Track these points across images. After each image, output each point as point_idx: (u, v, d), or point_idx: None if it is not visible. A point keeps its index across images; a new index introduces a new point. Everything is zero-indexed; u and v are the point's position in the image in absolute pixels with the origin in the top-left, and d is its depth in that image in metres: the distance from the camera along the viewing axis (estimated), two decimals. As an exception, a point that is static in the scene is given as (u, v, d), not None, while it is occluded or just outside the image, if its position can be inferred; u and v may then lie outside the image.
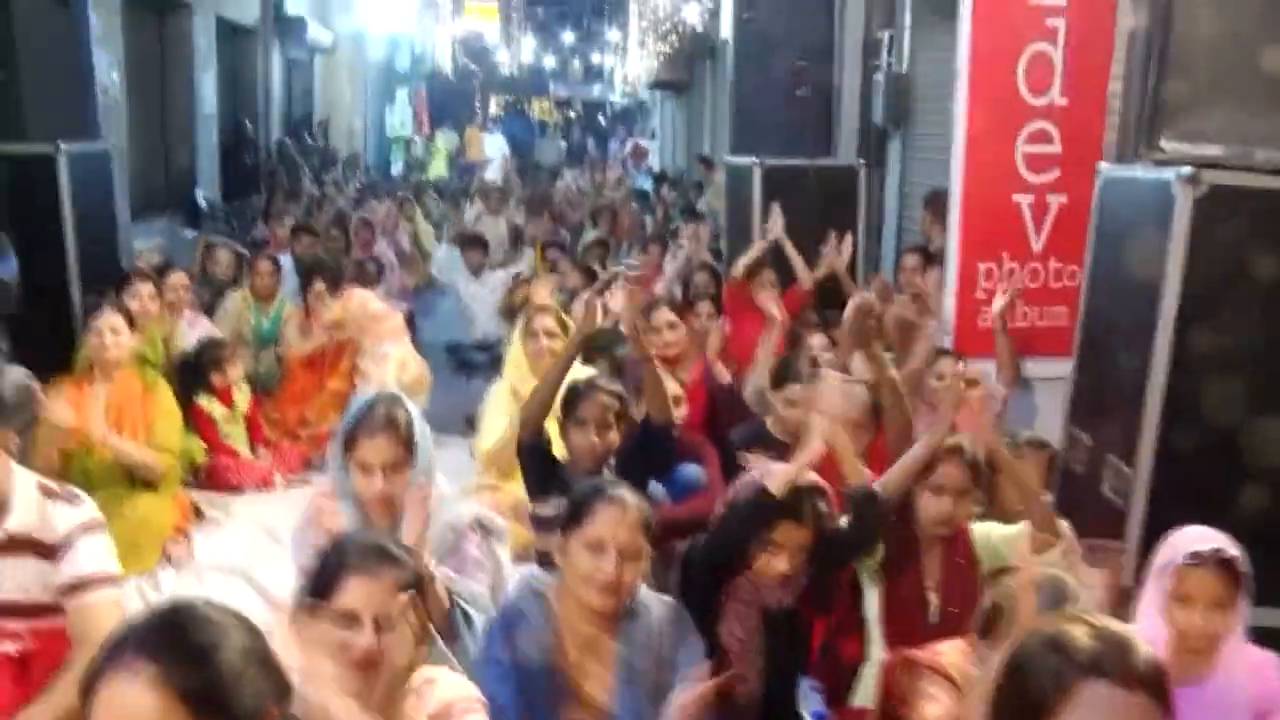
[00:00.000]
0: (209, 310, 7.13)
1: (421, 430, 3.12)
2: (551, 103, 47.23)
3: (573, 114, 46.05)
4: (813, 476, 3.13)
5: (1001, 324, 4.98)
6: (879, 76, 9.07)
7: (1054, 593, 2.44)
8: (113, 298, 5.76)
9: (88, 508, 2.96)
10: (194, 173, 12.46)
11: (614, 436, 3.89)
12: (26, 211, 6.26)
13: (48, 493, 2.92)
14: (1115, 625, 1.80)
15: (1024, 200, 5.48)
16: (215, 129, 13.23)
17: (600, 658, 2.75)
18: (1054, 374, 5.13)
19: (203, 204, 12.27)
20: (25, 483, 2.90)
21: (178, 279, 6.60)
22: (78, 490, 3.01)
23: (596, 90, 42.03)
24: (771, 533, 3.00)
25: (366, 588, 2.27)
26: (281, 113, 16.51)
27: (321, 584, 2.29)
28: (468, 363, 8.62)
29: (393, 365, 6.20)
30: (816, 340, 5.38)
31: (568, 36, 36.42)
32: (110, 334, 4.90)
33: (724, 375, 5.49)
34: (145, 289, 5.94)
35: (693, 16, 15.36)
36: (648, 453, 3.97)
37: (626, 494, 2.78)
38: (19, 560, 2.84)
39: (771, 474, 3.05)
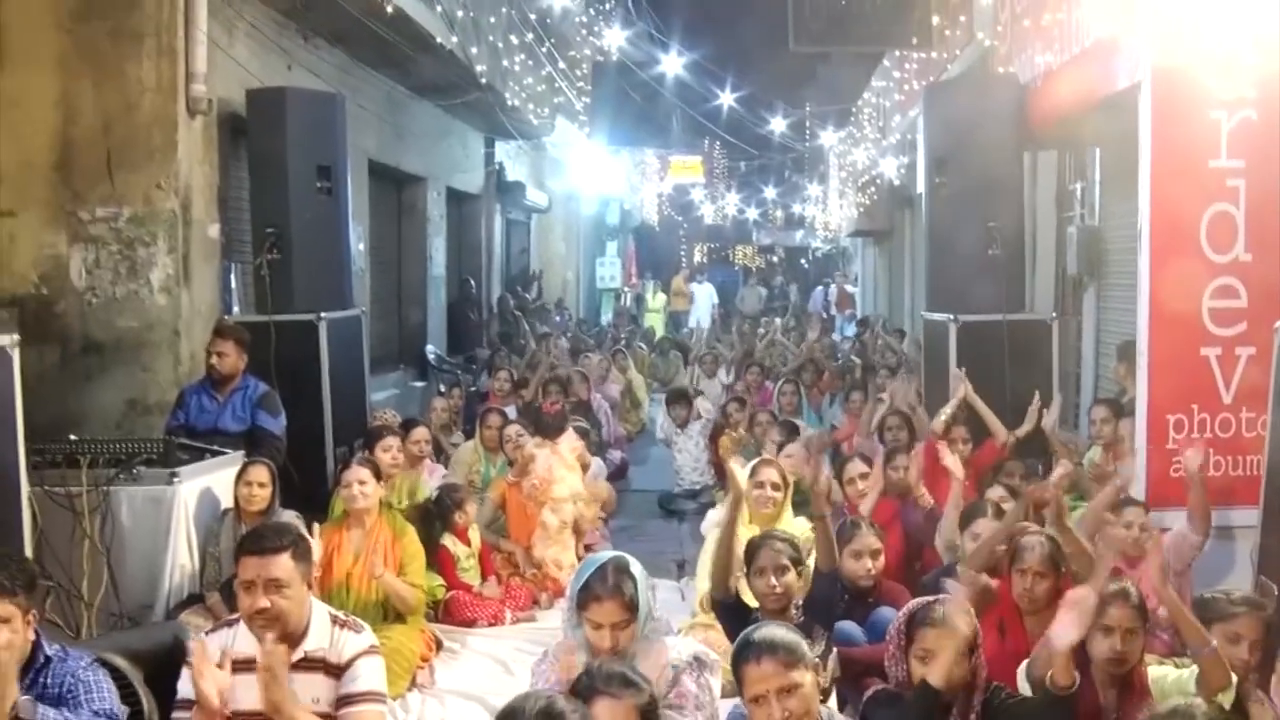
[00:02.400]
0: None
1: (645, 593, 3.61)
2: (755, 249, 48.44)
3: (775, 259, 47.00)
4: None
5: (1199, 476, 5.06)
6: (1072, 229, 9.31)
7: None
8: (362, 452, 6.50)
9: (368, 635, 3.56)
10: (424, 329, 13.54)
11: (792, 579, 4.32)
12: (292, 372, 7.15)
13: (337, 622, 3.53)
14: None
15: (1212, 353, 5.63)
16: (443, 288, 14.37)
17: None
18: (1250, 522, 5.23)
19: (432, 358, 13.32)
20: (320, 613, 3.52)
21: (420, 433, 7.38)
22: (361, 620, 3.60)
23: (799, 236, 42.83)
24: (923, 642, 3.36)
25: (611, 708, 2.76)
26: (501, 269, 17.70)
27: None
28: (676, 510, 9.10)
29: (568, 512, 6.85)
30: (994, 492, 5.61)
31: (770, 192, 37.51)
32: (359, 485, 5.57)
33: (927, 500, 5.82)
34: (393, 443, 6.67)
35: (890, 170, 15.86)
36: (823, 597, 4.41)
37: (767, 646, 3.11)
38: (312, 676, 3.45)
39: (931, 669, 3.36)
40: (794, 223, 41.32)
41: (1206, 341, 5.64)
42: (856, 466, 6.06)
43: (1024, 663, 3.60)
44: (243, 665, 3.39)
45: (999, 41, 9.01)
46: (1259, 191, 5.55)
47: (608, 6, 18.83)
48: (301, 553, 3.48)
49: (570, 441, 7.44)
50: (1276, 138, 5.51)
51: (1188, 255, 5.62)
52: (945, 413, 6.64)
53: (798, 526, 5.32)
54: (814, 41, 11.87)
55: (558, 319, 19.36)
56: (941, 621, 3.42)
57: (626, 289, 27.24)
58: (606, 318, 24.57)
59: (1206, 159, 5.58)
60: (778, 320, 17.85)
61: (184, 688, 3.36)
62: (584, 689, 2.84)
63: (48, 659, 3.18)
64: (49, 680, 3.15)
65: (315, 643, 3.47)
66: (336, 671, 3.46)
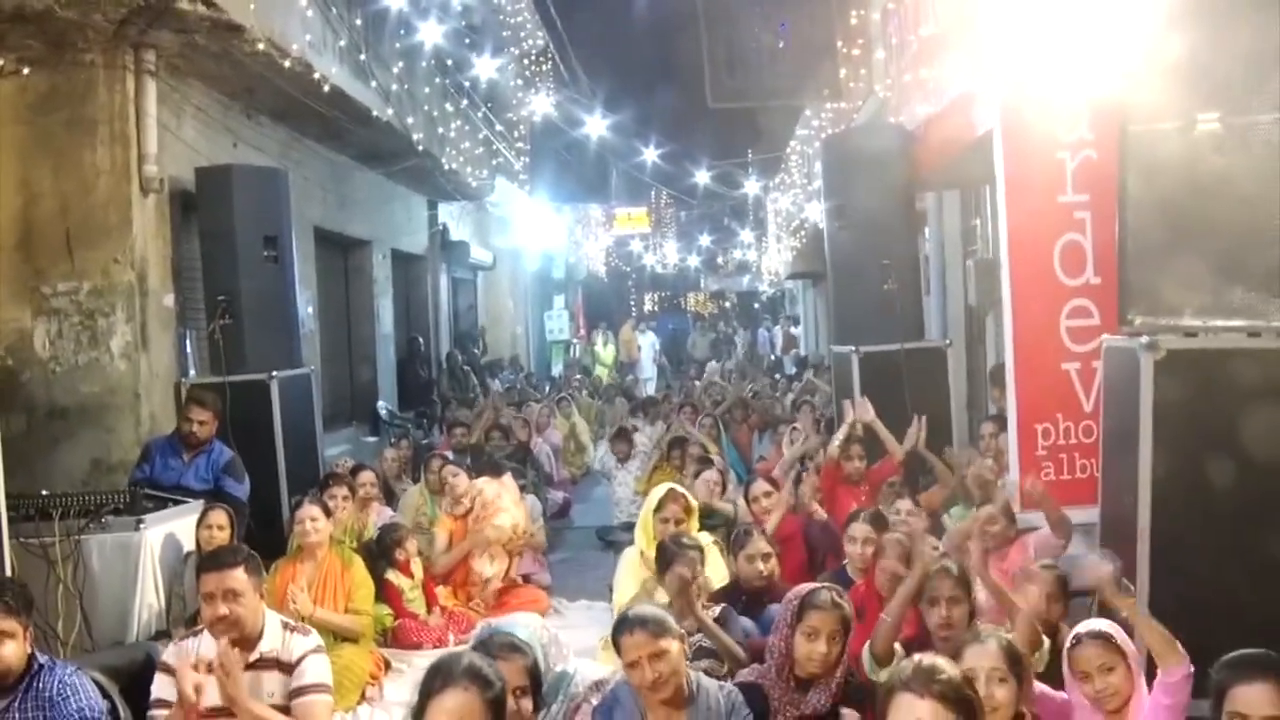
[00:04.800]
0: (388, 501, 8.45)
1: (540, 654, 4.10)
2: (706, 295, 49.36)
3: (727, 304, 47.94)
4: None
5: (1043, 496, 5.60)
6: (970, 262, 10.05)
7: None
8: (315, 494, 7.05)
9: (314, 637, 4.18)
10: (375, 387, 14.08)
11: (702, 580, 4.92)
12: (247, 428, 7.68)
13: (288, 627, 4.13)
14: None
15: (1071, 368, 6.27)
16: (392, 347, 14.93)
17: (675, 729, 3.72)
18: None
19: (383, 414, 13.85)
20: (272, 619, 4.12)
21: (367, 476, 7.96)
22: (308, 625, 4.19)
23: (746, 281, 43.81)
24: (809, 621, 3.98)
25: (506, 668, 3.29)
26: (449, 326, 18.27)
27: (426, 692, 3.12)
28: (614, 542, 9.67)
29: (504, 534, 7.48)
30: (903, 504, 6.24)
31: (704, 240, 38.55)
32: (310, 522, 6.18)
33: (820, 514, 6.46)
34: (340, 491, 7.23)
35: (815, 215, 16.64)
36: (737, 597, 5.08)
37: (639, 621, 3.71)
38: (268, 674, 4.04)
39: None
40: (743, 268, 42.30)
41: (1066, 357, 6.28)
42: (760, 486, 6.72)
43: (866, 642, 4.25)
44: (209, 668, 3.94)
45: (891, 94, 9.78)
46: (1103, 221, 6.16)
47: (544, 68, 19.62)
48: (253, 567, 4.08)
49: (509, 481, 8.04)
50: (1115, 173, 6.22)
51: (1044, 281, 6.26)
52: (839, 438, 7.28)
53: (699, 540, 5.92)
54: (731, 98, 12.64)
55: (510, 374, 19.91)
56: (829, 605, 4.03)
57: (576, 341, 27.87)
58: (558, 369, 25.15)
59: (1055, 194, 6.25)
60: (715, 364, 18.50)
61: (156, 690, 3.92)
62: (430, 685, 3.36)
63: (41, 666, 3.74)
64: (41, 684, 3.71)
65: (269, 644, 4.07)
66: (288, 669, 4.05)
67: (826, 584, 4.28)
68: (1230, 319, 4.50)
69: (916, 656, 2.80)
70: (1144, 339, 4.46)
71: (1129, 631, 3.84)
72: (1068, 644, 3.73)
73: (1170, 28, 4.58)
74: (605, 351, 25.34)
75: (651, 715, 3.71)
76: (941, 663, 2.73)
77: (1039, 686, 3.90)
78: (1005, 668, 3.47)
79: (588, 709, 4.18)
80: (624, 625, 3.74)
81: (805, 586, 4.23)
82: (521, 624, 4.37)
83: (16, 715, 3.68)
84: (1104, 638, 3.67)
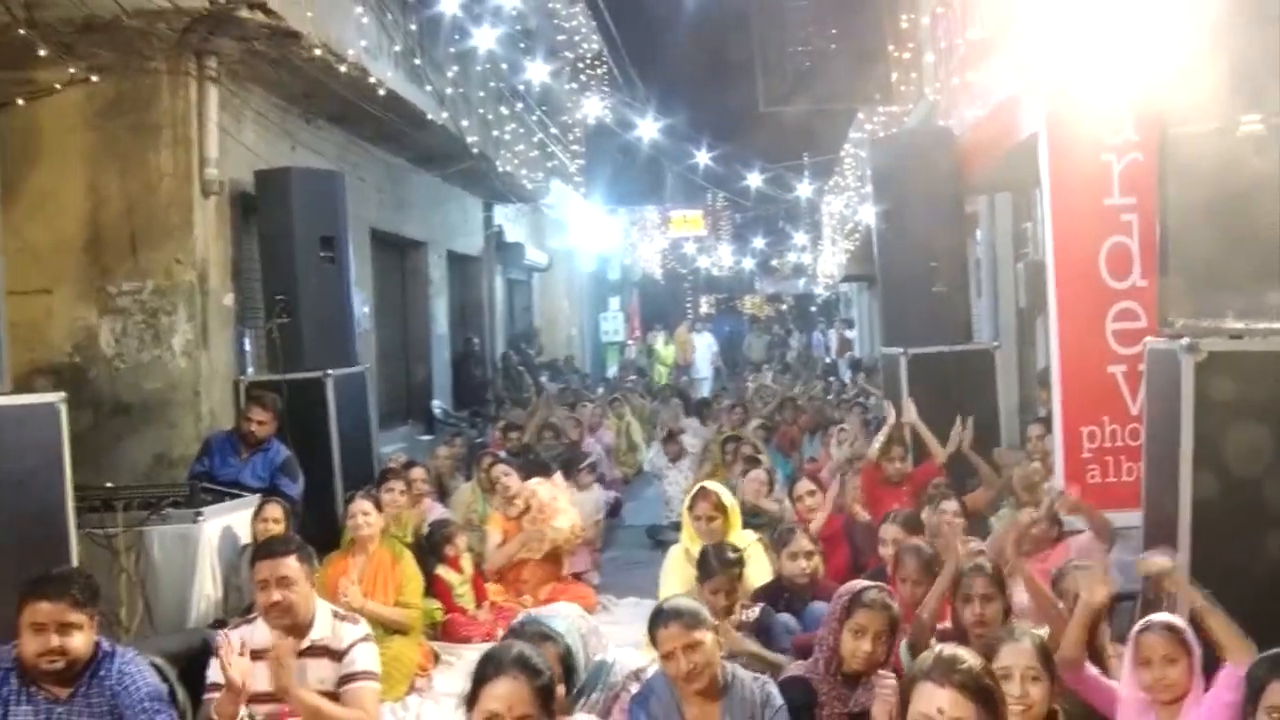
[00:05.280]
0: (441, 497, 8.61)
1: (579, 643, 4.28)
2: (763, 298, 49.29)
3: (784, 307, 47.89)
4: None
5: (1084, 508, 5.66)
6: (1020, 265, 10.03)
7: None
8: (370, 488, 7.20)
9: (363, 626, 4.34)
10: (430, 386, 14.27)
11: (742, 587, 5.03)
12: (303, 425, 7.85)
13: (337, 615, 4.28)
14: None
15: (1118, 370, 6.25)
16: (447, 347, 15.13)
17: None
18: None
19: (438, 413, 14.03)
20: (323, 608, 4.28)
21: (418, 473, 8.10)
22: (357, 615, 4.33)
23: (801, 284, 43.73)
24: (857, 619, 4.05)
25: (509, 686, 3.15)
26: (504, 327, 18.46)
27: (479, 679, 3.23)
28: (664, 540, 9.76)
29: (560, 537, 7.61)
30: (949, 505, 6.26)
31: (758, 243, 38.53)
32: (362, 516, 6.37)
33: (863, 515, 6.51)
34: (397, 485, 7.39)
35: (868, 217, 16.61)
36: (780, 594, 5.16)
37: (673, 613, 3.84)
38: (318, 661, 4.19)
39: None
40: (798, 271, 42.24)
41: (1112, 360, 6.26)
42: (805, 485, 6.81)
43: (904, 640, 4.33)
44: (259, 654, 4.10)
45: (940, 97, 9.79)
46: (1150, 223, 6.11)
47: (598, 72, 19.76)
48: (305, 556, 4.24)
49: (560, 481, 8.17)
50: (1163, 176, 6.21)
51: (1090, 283, 6.24)
52: (880, 439, 7.33)
53: (744, 538, 6.01)
54: (782, 102, 12.69)
55: (568, 375, 20.04)
56: (878, 605, 4.11)
57: (630, 342, 28.00)
58: (612, 370, 25.28)
59: (1101, 197, 6.23)
60: (766, 368, 18.52)
61: (212, 674, 4.08)
62: (482, 673, 3.46)
63: (106, 653, 3.91)
64: (105, 671, 3.87)
65: (320, 632, 4.22)
66: (338, 656, 4.20)
67: (877, 584, 4.34)
68: (1273, 321, 4.50)
69: (938, 647, 2.87)
70: (1185, 341, 4.47)
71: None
72: (1135, 629, 3.75)
73: (1212, 29, 4.58)
74: (666, 351, 25.42)
75: (686, 705, 3.81)
76: (962, 653, 2.79)
77: (1091, 669, 3.95)
78: (1039, 666, 3.51)
79: (627, 697, 4.26)
80: (659, 617, 3.85)
81: (856, 584, 4.30)
82: (559, 614, 4.47)
83: (82, 702, 3.84)
84: (1173, 630, 3.69)
